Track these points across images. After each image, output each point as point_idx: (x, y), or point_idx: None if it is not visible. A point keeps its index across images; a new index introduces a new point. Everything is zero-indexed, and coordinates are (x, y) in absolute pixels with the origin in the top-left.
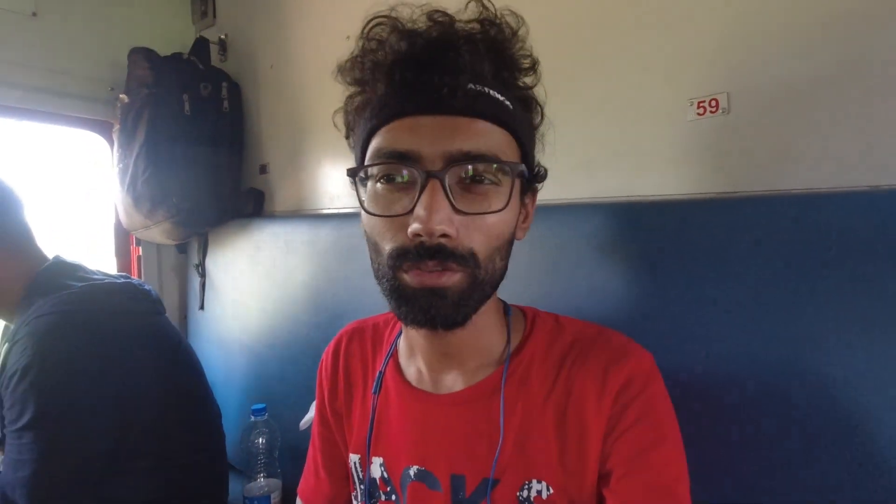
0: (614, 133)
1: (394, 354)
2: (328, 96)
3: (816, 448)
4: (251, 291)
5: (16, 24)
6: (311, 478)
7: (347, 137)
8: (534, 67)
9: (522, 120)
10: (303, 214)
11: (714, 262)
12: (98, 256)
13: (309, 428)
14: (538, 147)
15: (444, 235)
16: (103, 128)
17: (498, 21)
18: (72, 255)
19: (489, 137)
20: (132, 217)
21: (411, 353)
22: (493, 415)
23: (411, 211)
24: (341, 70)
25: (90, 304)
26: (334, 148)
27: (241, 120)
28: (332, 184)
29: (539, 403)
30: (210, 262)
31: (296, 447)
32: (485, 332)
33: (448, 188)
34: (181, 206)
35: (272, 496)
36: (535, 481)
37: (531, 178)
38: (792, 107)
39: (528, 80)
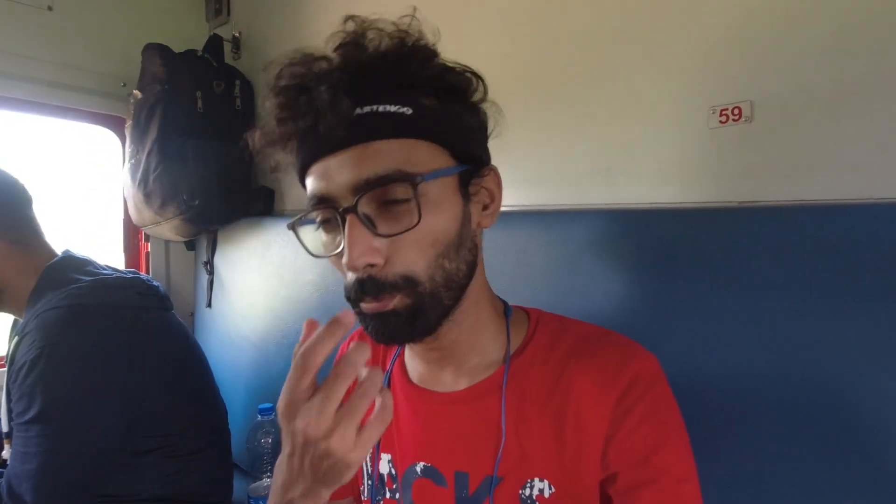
0: (635, 139)
1: (401, 354)
2: None
3: (825, 456)
4: (260, 290)
5: (31, 17)
6: None
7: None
8: (428, 56)
9: (434, 117)
10: None
11: (735, 273)
12: (104, 252)
13: None
14: (493, 123)
15: (372, 265)
16: (115, 123)
17: (358, 39)
18: (81, 251)
19: (387, 156)
20: (142, 213)
21: (413, 353)
22: (494, 414)
23: (341, 250)
24: (258, 142)
25: (99, 299)
26: None
27: (253, 118)
28: None
29: (541, 403)
30: (219, 260)
31: None
32: (478, 331)
33: (366, 217)
34: (192, 203)
35: None
36: (537, 480)
37: (472, 166)
38: (816, 116)
39: (432, 71)
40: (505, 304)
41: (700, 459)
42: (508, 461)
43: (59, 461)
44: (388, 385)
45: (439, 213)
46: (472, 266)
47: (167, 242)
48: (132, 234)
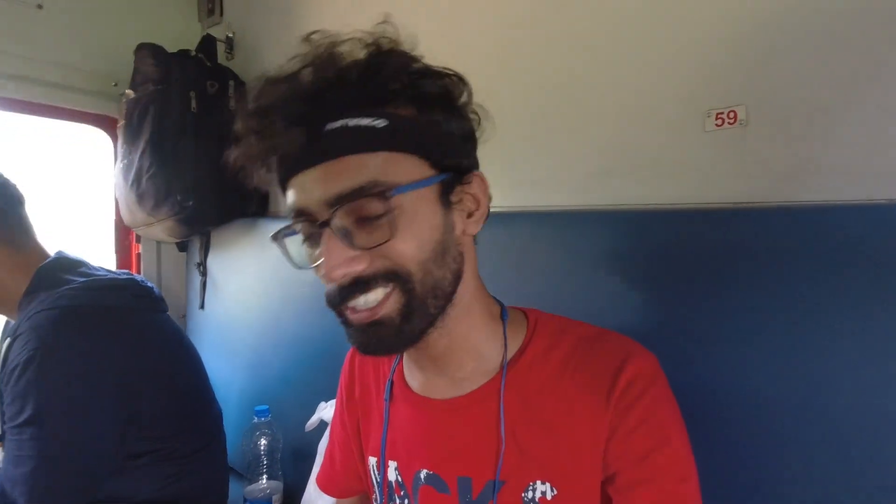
0: (632, 142)
1: (401, 362)
2: None
3: (823, 456)
4: (255, 291)
5: (21, 15)
6: (326, 467)
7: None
8: (399, 67)
9: (408, 128)
10: None
11: (731, 273)
12: (94, 253)
13: (315, 429)
14: (483, 126)
15: (352, 274)
16: (106, 123)
17: (324, 55)
18: (74, 251)
19: (359, 170)
20: (134, 214)
21: (410, 361)
22: (494, 418)
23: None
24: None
25: (93, 300)
26: None
27: None
28: None
29: (540, 405)
30: (212, 261)
31: (299, 450)
32: (472, 337)
33: (343, 229)
34: (186, 204)
35: (273, 498)
36: (539, 482)
37: (455, 173)
38: (810, 119)
39: (406, 80)
40: (502, 306)
41: (698, 459)
42: (510, 465)
43: (53, 464)
44: (390, 393)
45: (419, 225)
46: (458, 274)
47: (159, 243)
48: (123, 235)
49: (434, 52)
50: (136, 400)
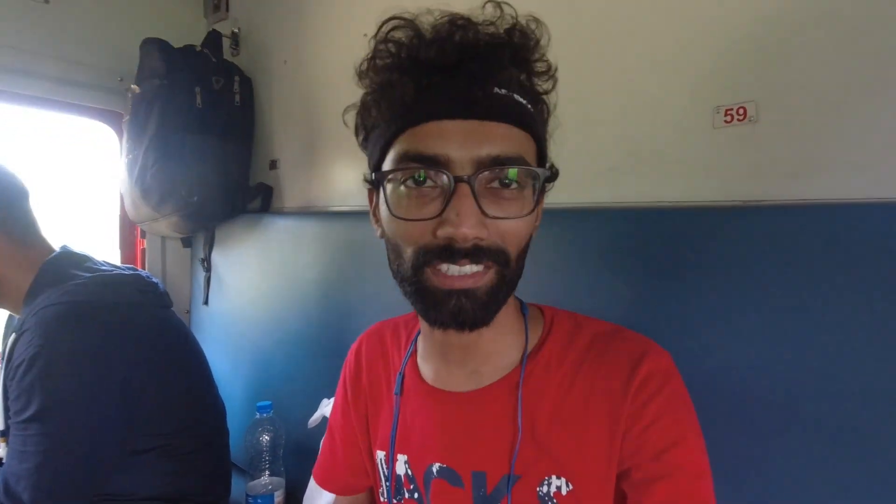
0: (639, 139)
1: (413, 354)
2: (343, 94)
3: (829, 452)
4: (259, 287)
5: (28, 11)
6: (327, 462)
7: (358, 136)
8: (551, 72)
9: (540, 122)
10: (314, 211)
11: (740, 271)
12: (99, 248)
13: (318, 425)
14: (550, 147)
15: (476, 238)
16: (113, 118)
17: (522, 29)
18: (79, 246)
19: (515, 141)
20: (139, 209)
21: (430, 352)
22: (511, 412)
23: (439, 215)
24: (361, 71)
25: (99, 296)
26: (347, 146)
27: (252, 114)
28: (344, 182)
29: (557, 400)
30: (216, 257)
31: (301, 446)
32: (503, 330)
33: (476, 193)
34: (190, 200)
35: (276, 494)
36: (554, 477)
37: (546, 179)
38: (821, 116)
39: (545, 84)
40: (521, 302)
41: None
42: (525, 459)
43: (58, 460)
44: (401, 386)
45: (531, 213)
46: (523, 269)
47: (163, 239)
48: (128, 230)
49: None
50: (140, 396)
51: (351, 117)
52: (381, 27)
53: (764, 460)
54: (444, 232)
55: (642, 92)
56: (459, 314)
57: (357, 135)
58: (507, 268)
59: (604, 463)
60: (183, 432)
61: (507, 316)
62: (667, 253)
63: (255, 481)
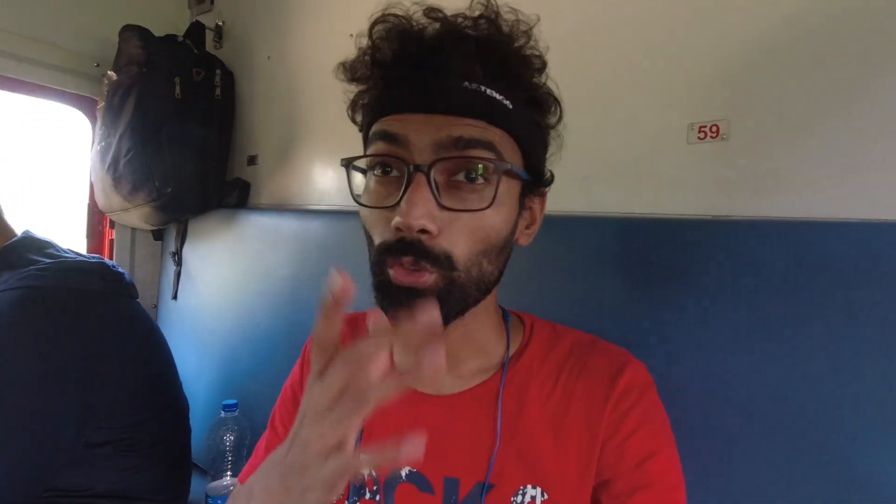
0: (614, 151)
1: None
2: (326, 92)
3: (798, 461)
4: (230, 283)
5: None
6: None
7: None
8: (535, 65)
9: (524, 120)
10: (290, 208)
11: (707, 281)
12: (65, 237)
13: None
14: (553, 148)
15: (423, 231)
16: (86, 104)
17: (493, 18)
18: (42, 232)
19: (486, 133)
20: (110, 198)
21: None
22: (490, 418)
23: (397, 204)
24: (343, 68)
25: (59, 282)
26: (327, 144)
27: (232, 108)
28: (323, 180)
29: (537, 409)
30: (188, 251)
31: None
32: (480, 335)
33: (434, 183)
34: (164, 190)
35: None
36: (529, 487)
37: (534, 180)
38: (787, 137)
39: (533, 78)
40: (503, 309)
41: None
42: (501, 467)
43: (6, 449)
44: None
45: (501, 212)
46: (500, 273)
47: (133, 231)
48: (97, 219)
49: None
50: (98, 386)
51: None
52: (371, 25)
53: (728, 467)
54: (394, 222)
55: (620, 105)
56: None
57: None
58: (454, 271)
59: (582, 472)
60: (141, 427)
61: (483, 321)
62: (637, 262)
63: (216, 482)
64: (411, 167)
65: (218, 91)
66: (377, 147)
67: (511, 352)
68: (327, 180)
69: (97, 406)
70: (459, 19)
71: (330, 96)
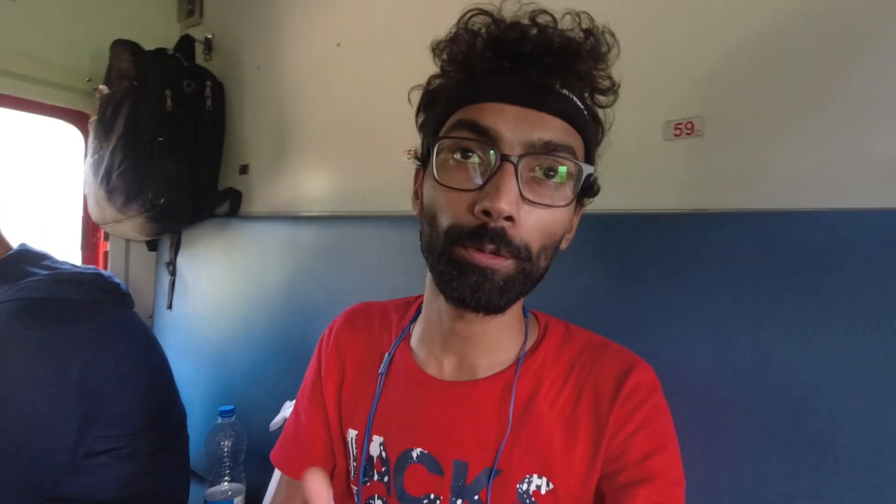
0: None
1: (406, 338)
2: (314, 101)
3: (781, 448)
4: (224, 291)
5: None
6: (291, 444)
7: (418, 117)
8: (614, 88)
9: (593, 132)
10: (282, 216)
11: (687, 273)
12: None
13: (279, 429)
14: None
15: (508, 218)
16: (78, 118)
17: (598, 36)
18: (39, 244)
19: (570, 137)
20: (104, 210)
21: (428, 338)
22: (502, 407)
23: (479, 188)
24: (437, 46)
25: (56, 293)
26: (317, 153)
27: (223, 119)
28: (314, 187)
29: (547, 402)
30: (182, 261)
31: (263, 451)
32: (508, 326)
33: (519, 175)
34: (157, 202)
35: (235, 501)
36: (535, 476)
37: (587, 189)
38: (760, 132)
39: (604, 98)
40: (523, 306)
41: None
42: (510, 455)
43: (6, 459)
44: (389, 368)
45: (567, 213)
46: (545, 273)
47: (127, 242)
48: (91, 231)
49: (406, 55)
50: (97, 396)
51: (415, 97)
52: (463, 15)
53: (720, 460)
54: (480, 206)
55: None
56: (477, 290)
57: (417, 115)
58: (528, 262)
59: (587, 466)
60: (140, 435)
61: (513, 314)
62: (619, 257)
63: (215, 487)
64: (499, 155)
65: (209, 102)
66: (464, 132)
67: (527, 347)
68: (318, 187)
69: (95, 416)
70: (569, 31)
71: (320, 105)
